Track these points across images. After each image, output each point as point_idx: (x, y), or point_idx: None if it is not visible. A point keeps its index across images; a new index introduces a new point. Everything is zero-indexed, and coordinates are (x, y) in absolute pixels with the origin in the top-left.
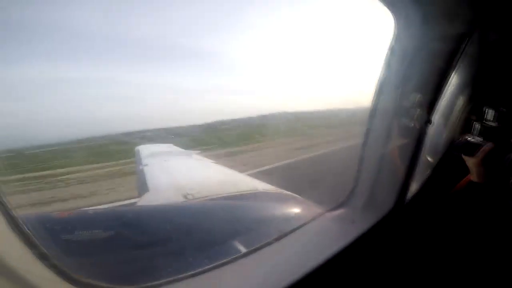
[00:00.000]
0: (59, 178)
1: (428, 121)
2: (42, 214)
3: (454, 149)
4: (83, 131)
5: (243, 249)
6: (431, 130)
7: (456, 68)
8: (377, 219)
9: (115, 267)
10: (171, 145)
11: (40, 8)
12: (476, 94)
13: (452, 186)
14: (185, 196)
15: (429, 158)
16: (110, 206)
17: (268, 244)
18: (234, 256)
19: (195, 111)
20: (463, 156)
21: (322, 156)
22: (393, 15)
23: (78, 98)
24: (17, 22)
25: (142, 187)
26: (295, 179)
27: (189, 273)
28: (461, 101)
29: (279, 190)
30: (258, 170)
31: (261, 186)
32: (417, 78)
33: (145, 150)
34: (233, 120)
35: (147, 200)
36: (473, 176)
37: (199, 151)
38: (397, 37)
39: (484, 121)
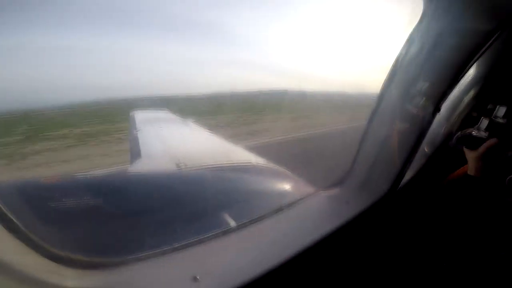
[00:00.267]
0: (53, 141)
1: (436, 110)
2: (27, 179)
3: (457, 141)
4: (81, 96)
5: (233, 223)
6: (434, 121)
7: (474, 63)
8: (371, 202)
9: (102, 237)
10: (167, 111)
11: None
12: (484, 92)
13: (446, 176)
14: (177, 165)
15: (426, 148)
16: (100, 172)
17: (260, 219)
18: (223, 229)
19: (195, 81)
20: (464, 149)
21: (321, 136)
22: (423, 3)
23: (78, 64)
24: None
25: (135, 153)
26: (290, 155)
27: (179, 244)
28: (468, 97)
29: (273, 165)
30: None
31: (255, 159)
32: (432, 67)
33: (140, 115)
34: (233, 93)
35: (139, 166)
36: (470, 170)
37: (195, 120)
38: (423, 25)
39: (493, 117)
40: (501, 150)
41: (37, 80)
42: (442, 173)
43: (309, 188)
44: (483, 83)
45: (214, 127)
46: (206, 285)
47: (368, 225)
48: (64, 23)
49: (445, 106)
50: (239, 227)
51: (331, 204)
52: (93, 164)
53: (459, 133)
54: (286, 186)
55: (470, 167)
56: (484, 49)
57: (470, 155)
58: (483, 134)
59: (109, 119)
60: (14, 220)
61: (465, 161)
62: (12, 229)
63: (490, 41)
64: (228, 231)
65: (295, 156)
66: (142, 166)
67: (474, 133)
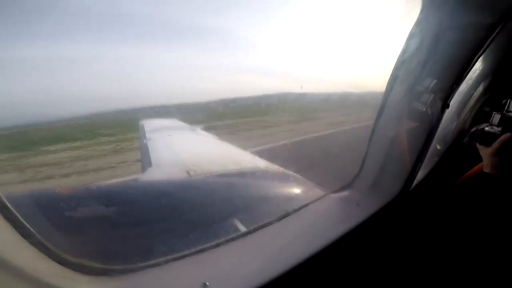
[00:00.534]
0: (64, 153)
1: (445, 106)
2: (44, 190)
3: (470, 138)
4: (89, 108)
5: (243, 228)
6: (444, 118)
7: (480, 57)
8: (382, 204)
9: (114, 244)
10: (175, 119)
11: None
12: (495, 85)
13: (460, 175)
14: (187, 172)
15: (438, 146)
16: (112, 182)
17: (270, 223)
18: (234, 235)
19: (201, 88)
20: (478, 146)
21: (329, 137)
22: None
23: (84, 75)
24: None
25: (146, 162)
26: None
27: (187, 252)
28: (477, 92)
29: (282, 169)
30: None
31: (264, 164)
32: (438, 63)
33: (149, 124)
34: (238, 99)
35: (150, 175)
36: (486, 167)
37: (203, 126)
38: (422, 21)
39: (505, 111)
40: None
41: (44, 93)
42: (457, 171)
43: (318, 191)
44: (492, 77)
45: (222, 133)
46: None
47: (380, 227)
48: (71, 35)
49: (455, 101)
50: (249, 232)
51: (341, 207)
52: (105, 174)
53: (472, 129)
54: (295, 190)
55: (486, 164)
56: (488, 42)
57: (485, 152)
58: (496, 129)
59: (119, 129)
60: (30, 227)
61: (480, 158)
62: (28, 236)
63: (494, 34)
64: (238, 237)
65: (304, 159)
66: (153, 175)
67: (487, 128)
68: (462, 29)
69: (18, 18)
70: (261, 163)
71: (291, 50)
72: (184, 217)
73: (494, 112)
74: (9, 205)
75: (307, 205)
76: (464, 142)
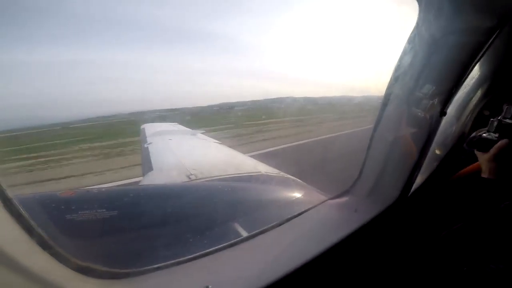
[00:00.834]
0: (69, 155)
1: (442, 113)
2: (45, 193)
3: (467, 144)
4: (90, 111)
5: (244, 233)
6: (443, 122)
7: (478, 61)
8: (380, 210)
9: (115, 249)
10: (176, 124)
11: None
12: (494, 90)
13: (458, 182)
14: (188, 176)
15: (437, 151)
16: (113, 185)
17: (270, 229)
18: (235, 240)
19: (202, 93)
20: (476, 152)
21: (328, 141)
22: (418, 5)
23: (86, 80)
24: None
25: (146, 166)
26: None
27: (190, 256)
28: (476, 96)
29: (282, 174)
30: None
31: (264, 168)
32: (435, 69)
33: (150, 128)
34: (239, 103)
35: (151, 178)
36: (484, 172)
37: (204, 131)
38: (419, 26)
39: (502, 118)
40: None
41: (44, 97)
42: (456, 177)
43: (318, 196)
44: (491, 81)
45: (222, 137)
46: None
47: (378, 233)
48: (72, 40)
49: (455, 106)
50: (250, 237)
51: (339, 212)
52: (106, 177)
53: (470, 136)
54: (295, 195)
55: (484, 170)
56: (486, 46)
57: (482, 158)
58: (493, 135)
59: (120, 133)
60: (40, 230)
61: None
62: (38, 239)
63: (492, 38)
64: (239, 241)
65: (304, 163)
66: (154, 179)
67: (484, 135)
68: (460, 34)
69: (27, 22)
70: (262, 167)
71: (293, 55)
72: (185, 221)
73: (491, 119)
74: (20, 208)
75: (306, 211)
76: (464, 147)
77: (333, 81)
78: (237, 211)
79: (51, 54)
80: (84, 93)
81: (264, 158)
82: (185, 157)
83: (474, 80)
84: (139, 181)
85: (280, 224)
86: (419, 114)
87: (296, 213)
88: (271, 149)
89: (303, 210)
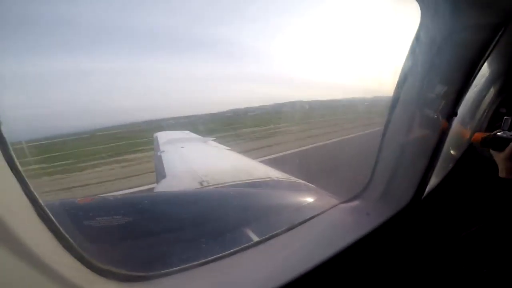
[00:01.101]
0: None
1: (453, 114)
2: (63, 200)
3: (482, 144)
4: (103, 120)
5: (256, 238)
6: (456, 122)
7: (487, 59)
8: (392, 213)
9: (131, 254)
10: (188, 132)
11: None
12: (508, 87)
13: (474, 183)
14: (200, 183)
15: (452, 151)
16: (129, 193)
17: (281, 233)
18: (247, 244)
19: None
20: (491, 151)
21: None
22: (420, 3)
23: (97, 89)
24: (56, 15)
25: (160, 173)
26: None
27: (203, 260)
28: (490, 94)
29: (293, 179)
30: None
31: (275, 174)
32: (444, 69)
33: (163, 136)
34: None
35: (164, 185)
36: (501, 172)
37: (215, 138)
38: (423, 26)
39: None
40: None
41: (60, 106)
42: (471, 178)
43: (330, 200)
44: (504, 79)
45: (233, 144)
46: None
47: (391, 236)
48: (85, 49)
49: (468, 105)
50: (262, 241)
51: (351, 216)
52: (122, 184)
53: (484, 135)
54: (307, 199)
55: (500, 169)
56: (493, 44)
57: (498, 157)
58: (508, 134)
59: (133, 142)
60: (66, 234)
61: (494, 164)
62: (64, 242)
63: (498, 35)
64: (252, 245)
65: (315, 168)
66: (168, 186)
67: (499, 134)
68: (465, 32)
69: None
70: (273, 173)
71: (300, 58)
72: (198, 226)
73: (505, 117)
74: (48, 212)
75: (318, 215)
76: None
77: (342, 84)
78: (249, 216)
79: (60, 63)
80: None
81: (275, 163)
82: (197, 164)
83: (486, 78)
84: (153, 188)
85: (292, 228)
86: (430, 115)
87: (308, 217)
88: (282, 153)
89: (315, 214)
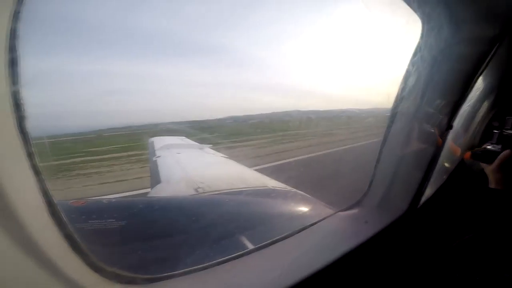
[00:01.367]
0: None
1: (449, 127)
2: (57, 201)
3: (473, 157)
4: (100, 123)
5: (251, 245)
6: (451, 135)
7: (483, 73)
8: (390, 221)
9: (123, 257)
10: (184, 137)
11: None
12: (501, 101)
13: (467, 193)
14: (195, 190)
15: (446, 164)
16: (122, 196)
17: (280, 240)
18: (245, 250)
19: (210, 106)
20: (482, 164)
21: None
22: (421, 18)
23: (95, 92)
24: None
25: (154, 178)
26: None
27: (196, 266)
28: (484, 108)
29: (289, 188)
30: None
31: (271, 183)
32: (441, 82)
33: (158, 141)
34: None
35: (159, 191)
36: (491, 183)
37: (211, 145)
38: (423, 40)
39: (504, 129)
40: None
41: (57, 107)
42: (465, 189)
43: (327, 210)
44: (497, 92)
45: (230, 151)
46: None
47: (388, 243)
48: (83, 51)
49: (462, 118)
50: (260, 247)
51: (349, 224)
52: (116, 188)
53: (475, 149)
54: (304, 209)
55: (491, 181)
56: (489, 57)
57: (488, 169)
58: (496, 147)
59: (128, 145)
60: (74, 235)
61: (486, 176)
62: (72, 243)
63: (494, 48)
64: (250, 251)
65: (312, 177)
66: (162, 191)
67: (488, 147)
68: (463, 45)
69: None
70: (269, 182)
71: (299, 68)
72: (192, 233)
73: (494, 131)
74: (61, 213)
75: (316, 223)
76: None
77: (339, 95)
78: (244, 224)
79: (61, 64)
80: (95, 104)
81: (272, 171)
82: (193, 171)
83: (480, 91)
84: (147, 193)
85: (290, 235)
86: (427, 128)
87: (304, 226)
88: (279, 162)
89: (312, 222)
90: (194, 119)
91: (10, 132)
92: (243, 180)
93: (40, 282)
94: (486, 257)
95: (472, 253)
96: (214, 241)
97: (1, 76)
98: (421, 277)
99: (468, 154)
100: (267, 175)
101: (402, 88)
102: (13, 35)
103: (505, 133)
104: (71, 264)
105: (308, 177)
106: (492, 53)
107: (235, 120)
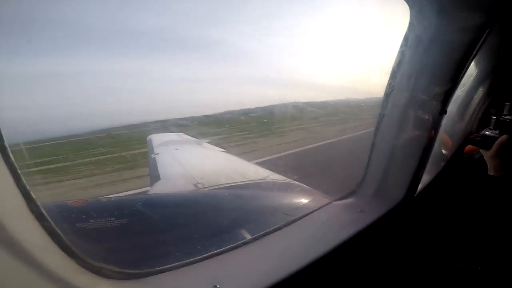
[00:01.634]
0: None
1: (442, 112)
2: (56, 202)
3: (471, 143)
4: (96, 123)
5: (251, 235)
6: (448, 122)
7: (475, 59)
8: (386, 210)
9: (126, 253)
10: (182, 134)
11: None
12: (497, 88)
13: (465, 180)
14: (195, 185)
15: (443, 150)
16: (122, 195)
17: (275, 231)
18: (240, 242)
19: (206, 102)
20: (480, 150)
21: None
22: (408, 5)
23: (89, 91)
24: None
25: (154, 176)
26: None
27: (195, 258)
28: (480, 95)
29: (287, 179)
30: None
31: (269, 175)
32: (432, 68)
33: (156, 139)
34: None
35: (158, 188)
36: (489, 169)
37: (209, 140)
38: (412, 27)
39: (502, 115)
40: None
41: (45, 110)
42: (463, 176)
43: (323, 199)
44: (492, 80)
45: (227, 146)
46: None
47: (384, 232)
48: (75, 50)
49: (458, 105)
50: (256, 238)
51: (345, 213)
52: (117, 187)
53: (473, 135)
54: (301, 199)
55: (489, 167)
56: (479, 44)
57: (486, 155)
58: (495, 132)
59: (126, 144)
60: (60, 233)
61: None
62: (58, 241)
63: (484, 36)
64: (246, 242)
65: (309, 168)
66: (162, 188)
67: (487, 133)
68: (452, 33)
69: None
70: (266, 174)
71: (294, 60)
72: (192, 226)
73: (491, 117)
74: (44, 212)
75: (312, 212)
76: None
77: (334, 85)
78: (244, 217)
79: (51, 64)
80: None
81: (269, 164)
82: (192, 166)
83: (475, 78)
84: (147, 191)
85: (286, 225)
86: (419, 113)
87: (302, 215)
88: (276, 155)
89: (309, 212)
90: (191, 115)
91: None
92: (242, 174)
93: (24, 279)
94: (487, 246)
95: (472, 242)
96: (211, 234)
97: None
98: (419, 267)
99: (468, 147)
100: (269, 167)
101: (394, 76)
102: None
103: (502, 119)
104: (56, 260)
105: (314, 166)
106: (482, 39)
107: (233, 114)
